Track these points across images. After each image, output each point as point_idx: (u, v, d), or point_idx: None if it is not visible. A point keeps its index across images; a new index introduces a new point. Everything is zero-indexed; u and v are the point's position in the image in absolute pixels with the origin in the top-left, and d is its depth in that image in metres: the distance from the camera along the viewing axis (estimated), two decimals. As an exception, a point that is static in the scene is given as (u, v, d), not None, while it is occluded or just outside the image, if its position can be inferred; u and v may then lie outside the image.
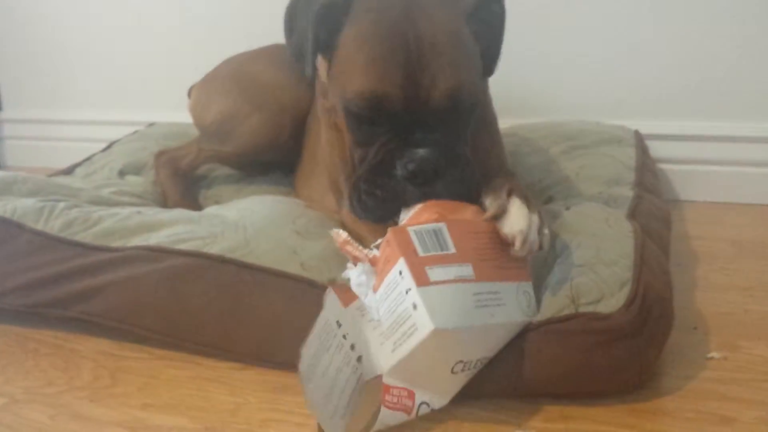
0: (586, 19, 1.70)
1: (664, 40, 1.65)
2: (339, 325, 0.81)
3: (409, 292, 0.76)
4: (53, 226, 1.16)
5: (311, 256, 1.02)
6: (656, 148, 1.67)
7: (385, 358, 0.78)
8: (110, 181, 1.55)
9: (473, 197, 0.94)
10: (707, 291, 1.18)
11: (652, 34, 1.65)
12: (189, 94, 1.59)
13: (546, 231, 0.89)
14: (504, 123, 1.64)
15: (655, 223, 1.15)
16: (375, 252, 0.85)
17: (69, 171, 1.65)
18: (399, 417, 0.80)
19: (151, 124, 1.96)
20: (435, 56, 0.89)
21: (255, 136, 1.43)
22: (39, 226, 1.16)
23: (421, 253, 0.79)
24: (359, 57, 0.91)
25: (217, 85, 1.52)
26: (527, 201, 0.90)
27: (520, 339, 0.86)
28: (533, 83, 1.78)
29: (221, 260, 1.03)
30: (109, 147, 1.78)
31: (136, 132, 1.89)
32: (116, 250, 1.10)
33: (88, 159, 1.70)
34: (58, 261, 1.10)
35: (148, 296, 1.03)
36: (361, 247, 0.85)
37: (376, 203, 0.93)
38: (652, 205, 1.23)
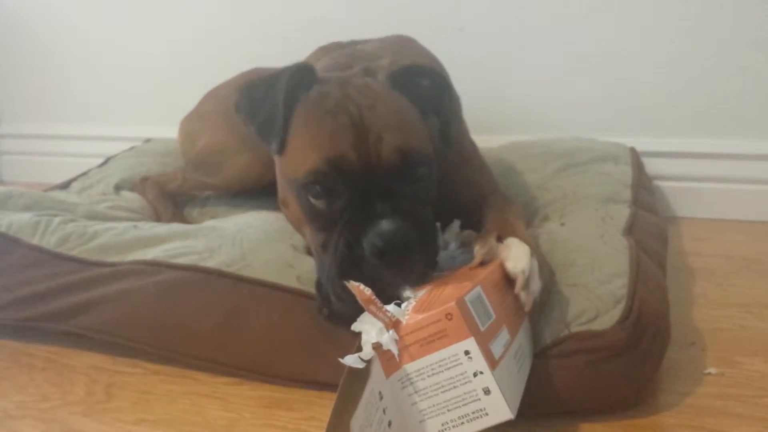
0: (581, 37, 1.71)
1: (659, 58, 1.66)
2: (381, 397, 0.75)
3: (478, 376, 0.72)
4: (49, 241, 1.16)
5: (308, 270, 1.02)
6: (652, 165, 1.68)
7: None
8: (106, 196, 1.55)
9: (435, 264, 0.90)
10: (704, 307, 1.18)
11: (648, 52, 1.66)
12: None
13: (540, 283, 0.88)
14: (499, 140, 1.66)
15: (651, 240, 1.15)
16: (397, 315, 0.76)
17: (65, 186, 1.64)
18: None
19: (147, 140, 1.97)
20: (376, 119, 0.89)
21: (243, 173, 1.43)
22: (35, 241, 1.16)
23: (481, 328, 0.74)
24: (307, 137, 0.91)
25: (206, 120, 1.53)
26: (527, 242, 0.90)
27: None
28: (528, 100, 1.79)
29: (218, 274, 1.03)
30: (105, 162, 1.78)
31: (132, 148, 1.89)
32: (112, 264, 1.10)
33: (84, 174, 1.70)
34: (54, 276, 1.10)
35: (144, 310, 1.03)
36: (386, 309, 0.76)
37: (349, 307, 0.82)
38: (648, 222, 1.23)
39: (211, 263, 1.05)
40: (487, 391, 0.72)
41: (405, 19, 1.79)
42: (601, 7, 1.68)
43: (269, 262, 1.05)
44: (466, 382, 0.72)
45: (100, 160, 1.80)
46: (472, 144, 1.21)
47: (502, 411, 0.72)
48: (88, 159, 1.90)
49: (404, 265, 0.83)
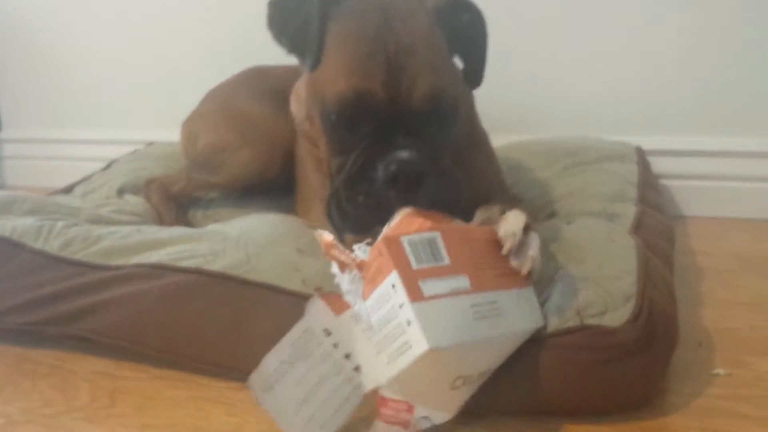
0: (587, 36, 1.71)
1: (666, 56, 1.66)
2: (328, 333, 0.80)
3: (402, 307, 0.74)
4: (53, 245, 1.16)
5: (313, 273, 1.01)
6: (658, 164, 1.67)
7: (381, 370, 0.76)
8: (109, 200, 1.55)
9: (455, 209, 0.92)
10: (712, 307, 1.17)
11: (654, 50, 1.66)
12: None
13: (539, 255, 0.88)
14: (506, 139, 1.65)
15: (658, 239, 1.14)
16: (362, 256, 0.82)
17: (68, 190, 1.64)
18: None
19: (150, 144, 1.97)
20: (413, 59, 0.89)
21: (245, 169, 1.44)
22: (38, 245, 1.16)
23: (414, 265, 0.77)
24: (340, 59, 0.91)
25: (206, 120, 1.53)
26: (528, 217, 0.90)
27: (525, 355, 0.85)
28: (535, 99, 1.79)
29: (222, 277, 1.02)
30: (108, 166, 1.78)
31: (135, 151, 1.89)
32: (116, 268, 1.10)
33: (87, 178, 1.70)
34: (58, 280, 1.10)
35: (148, 313, 1.02)
36: (348, 252, 0.82)
37: (356, 210, 0.90)
38: (655, 220, 1.23)
39: (215, 266, 1.05)
40: (408, 323, 0.73)
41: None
42: (608, 5, 1.67)
43: (274, 265, 1.05)
44: (396, 315, 0.75)
45: (103, 164, 1.79)
46: (484, 132, 1.20)
47: (420, 342, 0.72)
48: (91, 163, 1.91)
49: (413, 196, 0.87)
